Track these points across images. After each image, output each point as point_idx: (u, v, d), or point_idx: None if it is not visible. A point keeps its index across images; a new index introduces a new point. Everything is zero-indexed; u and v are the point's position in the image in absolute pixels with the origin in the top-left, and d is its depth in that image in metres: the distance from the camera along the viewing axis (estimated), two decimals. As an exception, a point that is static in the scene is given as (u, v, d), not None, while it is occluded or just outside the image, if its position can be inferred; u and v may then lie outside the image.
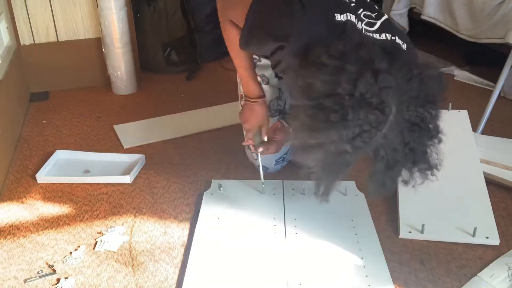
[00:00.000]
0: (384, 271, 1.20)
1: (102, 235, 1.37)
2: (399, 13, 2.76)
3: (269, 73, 1.58)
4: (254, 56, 1.41)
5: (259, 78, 1.58)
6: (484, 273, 1.20)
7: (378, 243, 1.29)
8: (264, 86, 1.58)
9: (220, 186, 1.53)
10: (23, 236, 1.38)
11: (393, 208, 1.44)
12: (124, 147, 1.84)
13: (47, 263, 1.27)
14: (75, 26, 2.30)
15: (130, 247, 1.33)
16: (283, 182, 1.57)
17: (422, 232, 1.32)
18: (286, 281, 1.17)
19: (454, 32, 2.41)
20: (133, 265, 1.27)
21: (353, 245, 1.28)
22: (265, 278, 1.19)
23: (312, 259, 1.25)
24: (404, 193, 1.45)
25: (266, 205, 1.46)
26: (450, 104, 1.79)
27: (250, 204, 1.47)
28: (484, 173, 1.51)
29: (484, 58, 2.41)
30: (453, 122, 1.74)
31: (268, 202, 1.48)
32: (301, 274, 1.20)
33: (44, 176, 1.64)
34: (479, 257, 1.26)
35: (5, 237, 1.37)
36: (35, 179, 1.63)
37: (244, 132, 1.55)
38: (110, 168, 1.69)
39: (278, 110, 1.60)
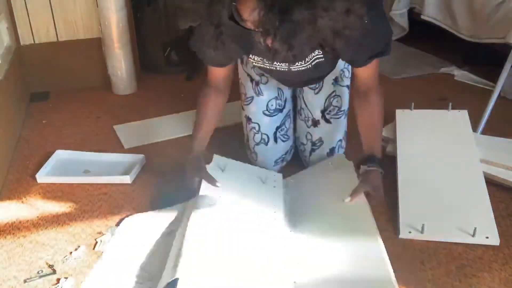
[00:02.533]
0: (385, 270, 1.19)
1: (102, 235, 1.37)
2: (399, 13, 2.77)
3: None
4: (254, 57, 1.41)
5: (257, 77, 1.58)
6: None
7: (379, 242, 1.28)
8: (263, 86, 1.59)
9: (222, 165, 1.49)
10: (23, 236, 1.38)
11: (393, 208, 1.44)
12: (125, 147, 1.84)
13: (47, 263, 1.27)
14: (75, 26, 2.30)
15: (130, 247, 1.33)
16: (282, 175, 1.56)
17: (422, 232, 1.32)
18: (284, 275, 1.16)
19: (454, 32, 2.41)
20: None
21: (354, 243, 1.27)
22: (263, 272, 1.16)
23: (313, 254, 1.23)
24: (404, 193, 1.45)
25: (266, 197, 1.43)
26: (450, 104, 1.79)
27: (250, 193, 1.42)
28: (484, 173, 1.51)
29: (484, 58, 2.41)
30: (453, 122, 1.74)
31: (268, 194, 1.45)
32: (300, 269, 1.18)
33: (44, 176, 1.64)
34: (479, 257, 1.26)
35: (5, 237, 1.37)
36: (35, 179, 1.63)
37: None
38: (110, 168, 1.69)
39: (278, 109, 1.60)
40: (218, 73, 1.45)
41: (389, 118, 1.85)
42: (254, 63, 1.45)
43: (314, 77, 1.51)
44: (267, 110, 1.59)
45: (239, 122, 1.74)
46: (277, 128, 1.61)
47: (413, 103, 1.82)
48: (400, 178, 1.51)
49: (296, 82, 1.56)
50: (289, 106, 1.64)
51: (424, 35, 2.85)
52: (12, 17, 2.20)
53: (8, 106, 1.90)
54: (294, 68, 1.39)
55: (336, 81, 1.57)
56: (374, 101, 1.39)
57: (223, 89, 1.49)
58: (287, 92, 1.62)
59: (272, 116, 1.60)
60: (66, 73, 2.36)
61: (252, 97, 1.60)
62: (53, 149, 1.79)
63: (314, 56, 1.35)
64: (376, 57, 1.32)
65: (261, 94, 1.58)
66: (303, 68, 1.39)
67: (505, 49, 1.92)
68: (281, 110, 1.61)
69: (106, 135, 1.95)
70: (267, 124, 1.59)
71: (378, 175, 1.35)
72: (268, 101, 1.59)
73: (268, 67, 1.43)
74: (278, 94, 1.60)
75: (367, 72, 1.36)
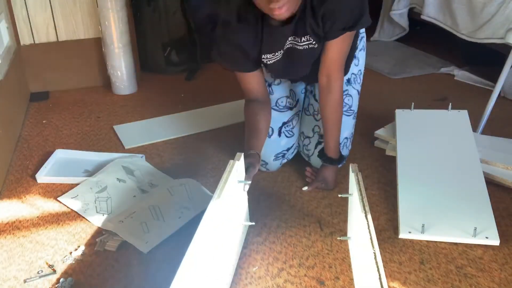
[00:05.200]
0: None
1: (102, 235, 1.37)
2: (399, 13, 2.77)
3: None
4: (267, 55, 1.42)
5: (270, 80, 1.60)
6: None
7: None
8: (274, 86, 1.60)
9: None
10: (23, 236, 1.38)
11: (393, 208, 1.44)
12: (125, 147, 1.84)
13: (47, 263, 1.27)
14: (75, 26, 2.30)
15: (130, 247, 1.33)
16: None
17: (422, 232, 1.32)
18: None
19: (454, 32, 2.41)
20: (133, 265, 1.27)
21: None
22: None
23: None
24: (404, 193, 1.45)
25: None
26: (450, 104, 1.79)
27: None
28: (484, 173, 1.51)
29: (484, 58, 2.41)
30: (453, 122, 1.74)
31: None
32: None
33: (44, 176, 1.64)
34: (479, 257, 1.26)
35: (5, 237, 1.37)
36: (35, 179, 1.63)
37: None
38: (110, 168, 1.69)
39: (288, 107, 1.63)
40: (250, 82, 1.47)
41: (389, 118, 1.85)
42: (268, 61, 1.44)
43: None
44: (276, 106, 1.61)
45: (239, 122, 1.74)
46: (284, 123, 1.62)
47: (413, 103, 1.82)
48: (400, 178, 1.51)
49: (305, 70, 1.54)
50: (300, 106, 1.66)
51: (424, 35, 2.85)
52: (12, 17, 2.20)
53: (8, 106, 1.90)
54: (302, 45, 1.38)
55: (348, 81, 1.60)
56: (335, 92, 1.42)
57: (263, 97, 1.51)
58: (299, 94, 1.65)
59: (281, 111, 1.62)
60: (66, 73, 2.36)
61: None
62: (53, 149, 1.79)
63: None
64: (350, 29, 1.33)
65: (272, 93, 1.60)
66: (311, 46, 1.39)
67: (505, 49, 1.92)
68: (291, 108, 1.63)
69: (106, 135, 1.95)
70: (274, 118, 1.59)
71: (331, 170, 1.53)
72: (278, 99, 1.61)
73: (279, 59, 1.43)
74: (290, 94, 1.63)
75: (335, 49, 1.37)
